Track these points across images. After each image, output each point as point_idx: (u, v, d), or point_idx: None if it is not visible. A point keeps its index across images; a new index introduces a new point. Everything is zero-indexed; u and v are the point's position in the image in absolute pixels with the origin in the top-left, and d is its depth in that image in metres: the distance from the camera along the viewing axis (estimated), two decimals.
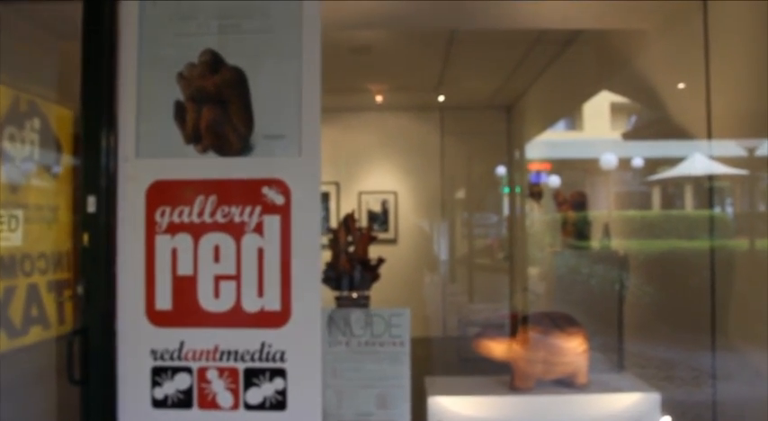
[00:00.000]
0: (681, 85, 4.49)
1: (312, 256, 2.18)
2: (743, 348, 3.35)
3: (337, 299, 3.99)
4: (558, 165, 8.38)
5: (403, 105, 7.29)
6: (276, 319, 2.17)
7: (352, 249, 2.46)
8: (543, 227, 7.36)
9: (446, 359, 6.34)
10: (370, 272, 2.40)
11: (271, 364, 2.17)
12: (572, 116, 12.74)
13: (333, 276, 2.41)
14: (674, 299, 5.12)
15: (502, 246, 8.01)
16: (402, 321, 2.17)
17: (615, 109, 11.92)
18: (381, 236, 7.31)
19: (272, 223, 2.19)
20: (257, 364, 2.18)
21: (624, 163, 7.94)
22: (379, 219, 7.49)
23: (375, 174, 7.69)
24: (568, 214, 5.26)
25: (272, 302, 2.17)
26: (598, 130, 11.92)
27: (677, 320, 5.05)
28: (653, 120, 6.68)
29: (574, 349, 2.48)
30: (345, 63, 5.50)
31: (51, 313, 3.19)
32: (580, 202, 5.28)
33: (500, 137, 7.74)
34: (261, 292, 2.18)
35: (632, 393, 2.50)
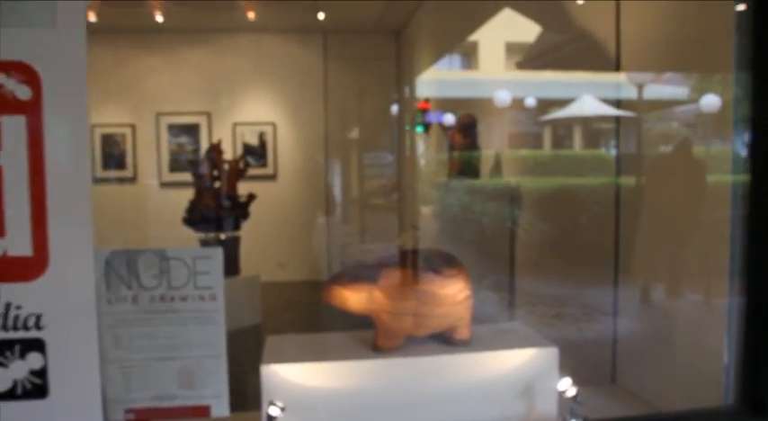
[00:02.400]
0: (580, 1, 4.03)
1: (79, 177, 1.50)
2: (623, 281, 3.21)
3: (201, 242, 3.32)
4: (454, 104, 7.99)
5: (281, 26, 6.48)
6: (26, 269, 1.49)
7: (218, 185, 1.83)
8: (437, 164, 6.95)
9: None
10: (240, 209, 1.80)
11: (21, 334, 1.50)
12: (467, 55, 12.46)
13: (196, 217, 1.78)
14: (565, 235, 4.88)
15: (397, 186, 7.55)
16: (212, 266, 1.53)
17: (510, 48, 11.70)
18: (258, 171, 6.62)
19: (15, 128, 1.48)
20: (1, 335, 1.50)
21: (518, 103, 7.68)
22: (257, 152, 6.75)
23: (251, 103, 6.91)
24: (456, 141, 4.74)
25: (20, 244, 1.49)
26: (493, 70, 11.69)
27: (569, 256, 4.83)
28: (550, 47, 6.26)
29: (452, 297, 1.93)
30: None
31: None
32: (469, 124, 4.76)
33: (391, 66, 7.14)
34: (2, 231, 1.49)
35: (525, 349, 2.00)
